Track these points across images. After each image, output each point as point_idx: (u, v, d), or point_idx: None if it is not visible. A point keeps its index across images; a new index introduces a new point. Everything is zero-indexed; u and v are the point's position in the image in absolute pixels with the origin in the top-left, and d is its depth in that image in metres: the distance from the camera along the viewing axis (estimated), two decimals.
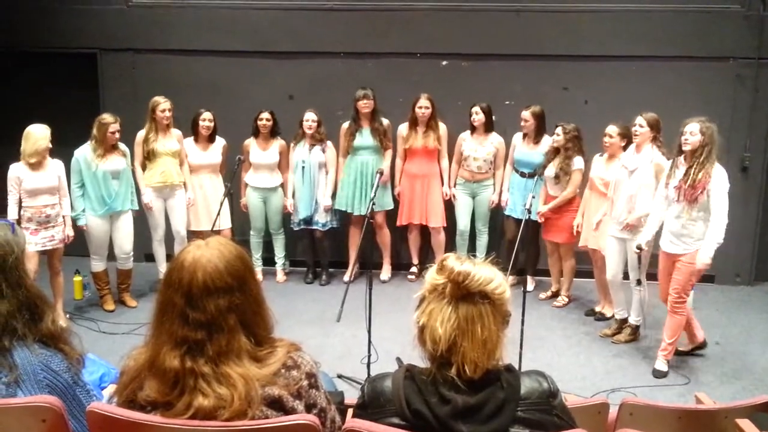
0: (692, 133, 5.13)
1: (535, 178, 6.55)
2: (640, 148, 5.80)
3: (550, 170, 6.63)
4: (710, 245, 5.10)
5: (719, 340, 6.18)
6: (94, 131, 6.28)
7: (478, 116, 7.07)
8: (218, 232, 6.38)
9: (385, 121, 7.25)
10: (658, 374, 5.48)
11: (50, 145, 5.87)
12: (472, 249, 7.42)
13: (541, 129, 6.94)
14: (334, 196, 7.38)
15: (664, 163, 5.57)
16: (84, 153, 6.29)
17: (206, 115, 6.91)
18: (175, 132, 6.87)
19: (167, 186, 6.80)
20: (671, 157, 5.41)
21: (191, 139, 7.01)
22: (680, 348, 5.79)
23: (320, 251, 7.61)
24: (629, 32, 7.29)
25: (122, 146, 6.48)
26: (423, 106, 7.10)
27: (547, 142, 6.88)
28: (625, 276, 6.03)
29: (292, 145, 7.28)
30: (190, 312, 1.99)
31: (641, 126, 5.76)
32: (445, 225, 7.40)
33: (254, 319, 2.07)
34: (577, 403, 2.94)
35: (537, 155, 6.90)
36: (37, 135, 5.82)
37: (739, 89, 7.32)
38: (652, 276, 5.88)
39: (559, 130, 6.54)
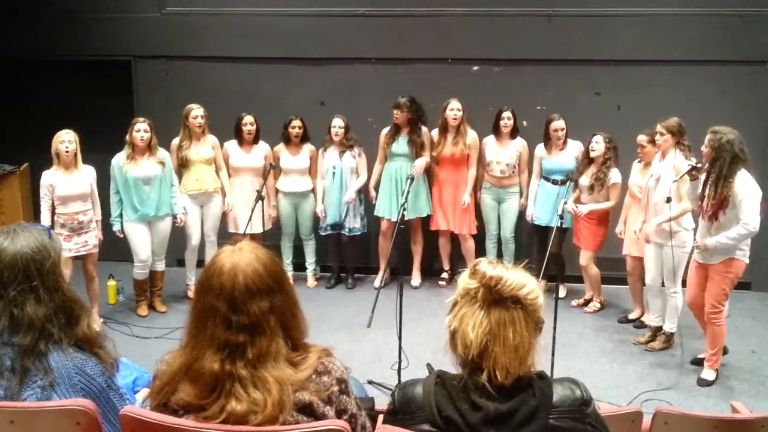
0: (705, 145, 5.09)
1: (568, 183, 6.47)
2: (665, 155, 5.75)
3: (585, 180, 6.57)
4: (720, 239, 5.04)
5: (756, 349, 6.07)
6: (127, 136, 6.37)
7: (510, 122, 7.04)
8: (253, 236, 6.46)
9: (424, 129, 7.23)
10: (704, 383, 5.41)
11: (68, 149, 5.89)
12: (499, 256, 7.37)
13: (567, 134, 6.91)
14: (361, 199, 7.43)
15: (682, 167, 5.48)
16: (118, 159, 6.38)
17: (248, 119, 6.98)
18: (211, 139, 6.93)
19: (203, 193, 6.86)
20: (699, 160, 5.32)
21: (235, 141, 7.09)
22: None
23: (346, 256, 7.65)
24: (662, 36, 7.22)
25: (162, 153, 6.52)
26: (455, 108, 7.07)
27: (574, 145, 6.85)
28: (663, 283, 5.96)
29: (321, 151, 7.32)
30: (233, 316, 2.01)
31: (662, 134, 5.71)
32: (475, 232, 7.37)
33: (293, 322, 2.10)
34: (611, 412, 2.92)
35: (567, 159, 6.87)
36: (54, 139, 5.93)
37: None
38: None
39: (599, 139, 6.45)
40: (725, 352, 5.67)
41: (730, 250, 5.12)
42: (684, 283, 5.78)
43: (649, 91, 7.25)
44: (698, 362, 5.60)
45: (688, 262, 5.63)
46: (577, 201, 6.70)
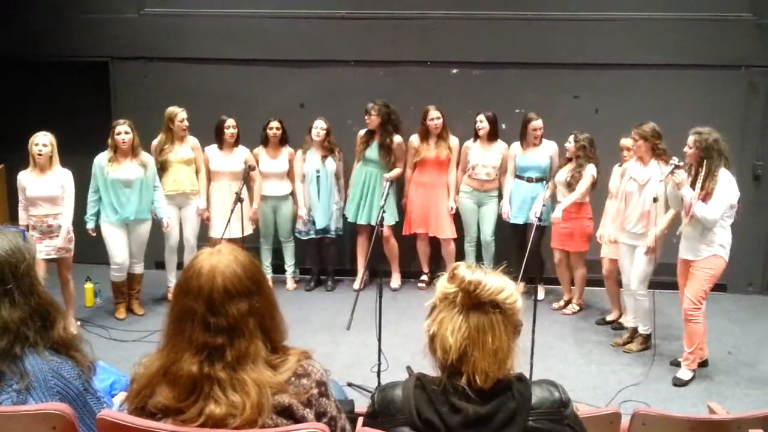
0: (689, 146, 5.20)
1: (544, 182, 6.52)
2: (645, 161, 5.79)
3: (562, 174, 6.62)
4: (700, 205, 5.10)
5: (732, 350, 6.13)
6: (109, 137, 6.32)
7: (482, 124, 7.06)
8: (232, 240, 6.40)
9: (397, 139, 7.23)
10: (679, 382, 5.45)
11: (41, 152, 5.83)
12: (479, 259, 7.39)
13: (543, 135, 6.98)
14: (339, 199, 7.47)
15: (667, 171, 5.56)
16: (101, 159, 6.34)
17: (230, 122, 6.95)
18: (192, 140, 6.90)
19: (180, 194, 6.82)
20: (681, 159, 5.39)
21: (215, 146, 7.04)
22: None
23: (325, 258, 7.65)
24: (641, 41, 7.28)
25: (144, 156, 6.47)
26: (435, 117, 7.11)
27: (549, 144, 6.94)
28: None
29: (300, 153, 7.30)
30: (211, 318, 1.99)
31: (635, 140, 5.78)
32: (456, 236, 7.39)
33: (272, 324, 2.09)
34: (589, 413, 2.93)
35: (542, 157, 6.94)
36: (30, 140, 5.87)
37: (751, 97, 7.29)
38: (670, 285, 5.84)
39: (571, 138, 6.56)
40: (705, 364, 5.72)
41: (713, 245, 5.20)
42: (669, 286, 5.85)
43: (626, 95, 7.30)
44: (677, 364, 5.64)
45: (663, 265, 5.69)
46: (553, 199, 6.77)
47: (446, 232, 7.35)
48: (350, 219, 7.40)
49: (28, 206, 5.93)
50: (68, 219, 6.08)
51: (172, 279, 7.00)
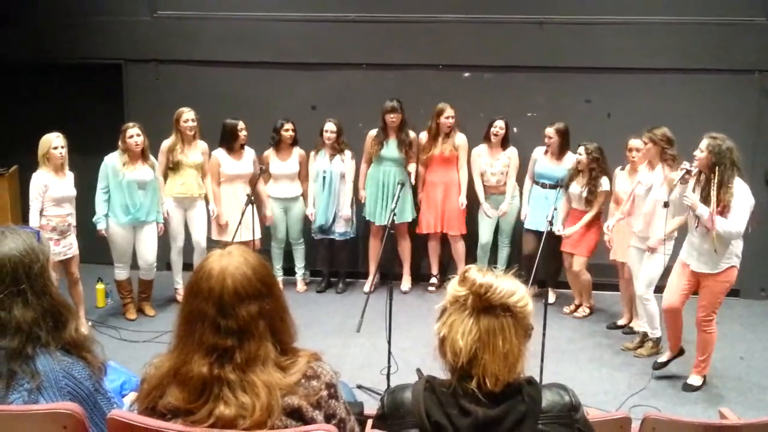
0: (701, 150, 5.07)
1: (558, 189, 6.51)
2: (653, 165, 5.77)
3: (575, 188, 6.60)
4: (722, 222, 4.97)
5: (743, 355, 6.11)
6: (119, 140, 6.34)
7: (501, 131, 7.08)
8: (247, 243, 6.39)
9: (412, 134, 7.25)
10: (690, 389, 5.43)
11: (62, 154, 5.87)
12: (493, 261, 7.41)
13: (564, 145, 6.91)
14: (352, 204, 7.41)
15: (673, 176, 5.51)
16: (113, 160, 6.35)
17: (241, 125, 6.92)
18: (201, 144, 6.90)
19: (187, 197, 6.83)
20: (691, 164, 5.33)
21: (222, 150, 6.96)
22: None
23: (336, 260, 7.64)
24: (653, 45, 7.24)
25: (152, 158, 6.52)
26: (450, 115, 7.10)
27: (571, 158, 6.86)
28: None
29: (312, 154, 7.31)
30: (221, 320, 2.00)
31: (645, 143, 5.76)
32: (464, 232, 7.39)
33: (282, 326, 2.09)
34: (599, 417, 2.92)
35: (560, 170, 6.89)
36: (45, 142, 5.89)
37: (763, 102, 7.25)
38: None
39: (581, 150, 6.52)
40: (682, 352, 5.64)
41: (731, 256, 5.14)
42: (658, 290, 5.81)
43: (639, 99, 7.27)
44: (660, 366, 5.61)
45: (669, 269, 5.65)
46: (568, 212, 6.76)
47: (455, 228, 7.35)
48: (372, 220, 7.38)
49: (51, 206, 5.92)
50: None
51: (179, 280, 7.02)
